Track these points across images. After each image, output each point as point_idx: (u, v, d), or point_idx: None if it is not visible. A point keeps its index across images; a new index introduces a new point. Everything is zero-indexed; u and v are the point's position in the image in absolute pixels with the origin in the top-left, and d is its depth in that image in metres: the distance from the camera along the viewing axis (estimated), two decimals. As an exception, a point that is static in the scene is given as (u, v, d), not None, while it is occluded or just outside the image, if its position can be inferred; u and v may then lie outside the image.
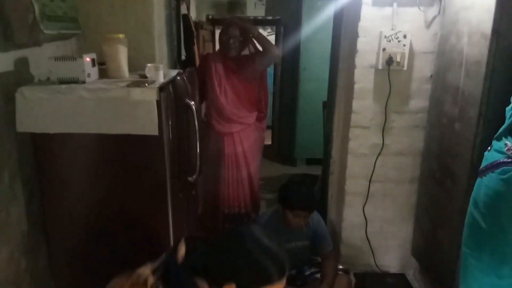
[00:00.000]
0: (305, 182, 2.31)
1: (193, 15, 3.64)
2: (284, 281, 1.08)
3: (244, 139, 2.71)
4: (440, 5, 2.21)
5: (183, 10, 2.96)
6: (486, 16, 1.77)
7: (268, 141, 4.57)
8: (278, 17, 4.74)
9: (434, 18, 2.24)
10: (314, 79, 4.42)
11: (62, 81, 1.51)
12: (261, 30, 4.63)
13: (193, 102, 1.83)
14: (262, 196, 3.25)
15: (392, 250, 2.65)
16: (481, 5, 1.82)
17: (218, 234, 1.28)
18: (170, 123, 1.56)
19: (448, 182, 2.10)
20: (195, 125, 1.85)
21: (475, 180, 1.87)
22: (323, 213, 2.85)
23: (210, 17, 4.58)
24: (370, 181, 2.50)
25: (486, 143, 1.82)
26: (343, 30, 2.56)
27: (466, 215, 1.89)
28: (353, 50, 2.36)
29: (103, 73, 1.71)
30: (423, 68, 2.31)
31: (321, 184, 3.27)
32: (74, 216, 1.60)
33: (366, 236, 2.60)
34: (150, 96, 1.46)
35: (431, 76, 2.32)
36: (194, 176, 1.92)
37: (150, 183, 1.56)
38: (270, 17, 4.76)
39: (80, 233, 1.61)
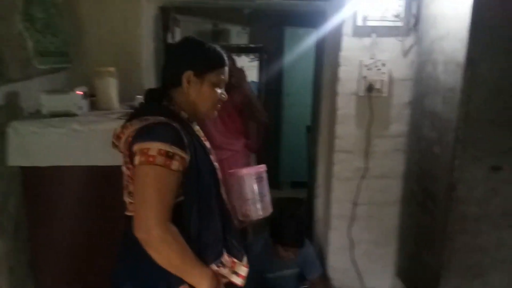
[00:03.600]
0: (296, 217, 2.35)
1: (178, 43, 3.72)
2: (227, 69, 1.29)
3: (233, 165, 2.75)
4: (417, 35, 2.33)
5: (169, 39, 3.03)
6: (459, 46, 1.89)
7: (253, 165, 4.60)
8: (261, 45, 4.86)
9: (411, 47, 2.36)
10: (297, 104, 4.53)
11: (53, 115, 1.54)
12: (244, 57, 4.75)
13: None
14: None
15: (378, 272, 2.68)
16: (455, 36, 1.94)
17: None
18: (161, 153, 1.59)
19: (429, 204, 2.18)
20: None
21: (455, 201, 1.96)
22: (310, 236, 2.88)
23: (194, 45, 4.66)
24: (355, 204, 2.55)
25: (463, 166, 1.92)
26: (325, 59, 2.67)
27: (446, 236, 1.97)
28: (335, 78, 2.46)
29: (94, 105, 1.74)
30: (402, 95, 2.42)
31: (306, 207, 3.31)
32: (62, 250, 1.59)
33: (353, 259, 2.63)
34: (141, 127, 1.50)
35: (410, 102, 2.43)
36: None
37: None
38: (252, 45, 4.88)
39: (68, 267, 1.60)
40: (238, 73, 2.69)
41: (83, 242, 1.59)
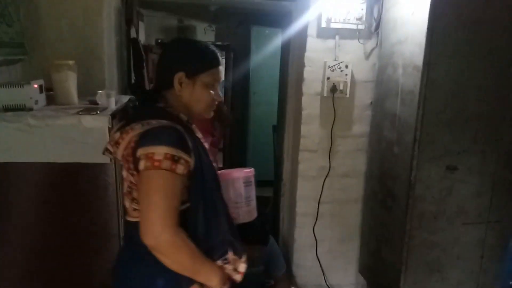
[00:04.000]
0: (260, 214, 2.36)
1: (142, 39, 3.63)
2: (222, 69, 1.27)
3: None
4: (378, 38, 2.40)
5: (132, 34, 2.95)
6: (417, 50, 1.96)
7: (220, 164, 4.58)
8: (228, 43, 4.84)
9: (373, 50, 2.43)
10: (263, 103, 4.54)
11: (7, 109, 1.46)
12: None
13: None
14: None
15: (341, 269, 2.75)
16: (413, 40, 2.01)
17: None
18: (122, 150, 1.54)
19: (389, 202, 2.25)
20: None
21: (413, 199, 2.03)
22: (275, 234, 2.90)
23: (159, 41, 4.58)
24: (319, 202, 2.60)
25: (420, 165, 2.00)
26: (291, 59, 2.70)
27: (406, 233, 2.04)
28: (300, 78, 2.49)
29: (51, 100, 1.67)
30: (364, 96, 2.49)
31: (272, 205, 3.34)
32: (16, 250, 1.52)
33: (317, 256, 2.68)
34: (102, 124, 1.45)
35: (371, 103, 2.49)
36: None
37: (102, 212, 1.53)
38: (219, 43, 4.85)
39: (23, 268, 1.53)
40: None
41: (39, 242, 1.52)
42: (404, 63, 2.10)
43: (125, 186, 1.23)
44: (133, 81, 2.93)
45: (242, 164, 4.92)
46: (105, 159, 1.44)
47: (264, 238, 2.27)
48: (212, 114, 1.30)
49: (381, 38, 2.38)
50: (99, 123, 1.45)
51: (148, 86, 3.06)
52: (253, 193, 1.45)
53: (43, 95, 1.60)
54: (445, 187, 2.05)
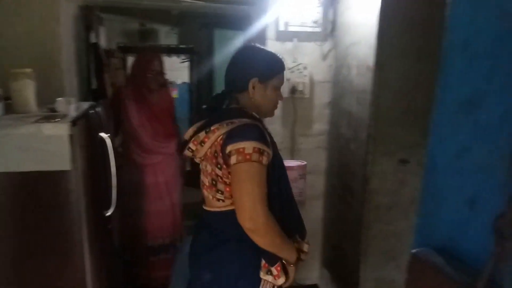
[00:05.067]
0: None
1: (103, 43, 3.60)
2: (284, 73, 1.45)
3: (166, 168, 2.68)
4: (334, 40, 2.51)
5: (92, 39, 2.93)
6: (369, 51, 2.08)
7: (188, 167, 4.58)
8: (191, 46, 4.87)
9: (329, 51, 2.54)
10: (228, 104, 4.59)
11: (-37, 119, 1.44)
12: (174, 58, 4.72)
13: (108, 135, 1.84)
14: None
15: (307, 264, 2.83)
16: (365, 42, 2.13)
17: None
18: (83, 157, 1.56)
19: (348, 197, 2.36)
20: (110, 158, 1.85)
21: (369, 193, 2.14)
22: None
23: (121, 45, 4.55)
24: (283, 200, 2.67)
25: (375, 160, 2.11)
26: (251, 61, 2.77)
27: (363, 225, 2.15)
28: (261, 80, 2.55)
29: (10, 109, 1.65)
30: (322, 96, 2.59)
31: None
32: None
33: (283, 252, 2.75)
34: (62, 131, 1.46)
35: (329, 102, 2.60)
36: (110, 210, 1.90)
37: (64, 220, 1.53)
38: (183, 46, 4.87)
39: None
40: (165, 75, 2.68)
41: (1, 253, 1.51)
42: (358, 64, 2.21)
43: (207, 179, 1.38)
44: (94, 86, 2.91)
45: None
46: (66, 167, 1.46)
47: None
48: (275, 113, 1.50)
49: (337, 40, 2.49)
50: (59, 131, 1.45)
51: (109, 90, 3.05)
52: (305, 186, 1.53)
53: (1, 105, 1.58)
54: (398, 179, 2.17)
